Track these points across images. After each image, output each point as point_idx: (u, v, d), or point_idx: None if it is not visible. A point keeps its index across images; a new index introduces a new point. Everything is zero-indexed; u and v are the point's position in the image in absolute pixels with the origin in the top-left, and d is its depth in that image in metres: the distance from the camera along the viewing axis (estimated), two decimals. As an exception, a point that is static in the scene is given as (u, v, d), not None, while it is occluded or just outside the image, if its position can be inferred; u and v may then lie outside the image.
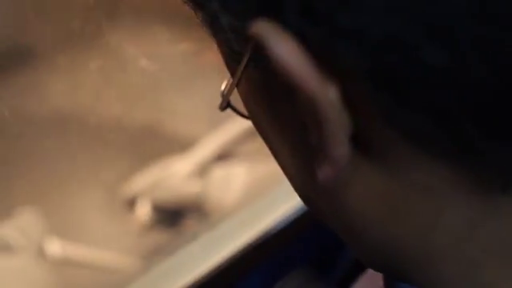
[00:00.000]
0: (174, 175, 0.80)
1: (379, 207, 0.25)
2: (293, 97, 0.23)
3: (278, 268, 0.71)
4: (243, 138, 0.83)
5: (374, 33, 0.20)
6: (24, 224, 0.75)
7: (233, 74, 0.29)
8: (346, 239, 0.29)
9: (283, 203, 0.62)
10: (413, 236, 0.25)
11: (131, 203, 0.81)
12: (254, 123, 0.31)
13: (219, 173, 0.79)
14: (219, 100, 0.34)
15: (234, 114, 0.36)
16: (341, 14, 0.20)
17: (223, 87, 0.39)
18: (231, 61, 0.27)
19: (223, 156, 0.82)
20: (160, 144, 0.86)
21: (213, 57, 0.62)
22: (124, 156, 0.84)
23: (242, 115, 0.36)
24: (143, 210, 0.79)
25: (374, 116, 0.22)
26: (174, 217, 0.80)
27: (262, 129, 0.29)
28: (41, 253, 0.72)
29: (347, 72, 0.21)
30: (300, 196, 0.31)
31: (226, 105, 0.35)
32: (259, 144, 0.84)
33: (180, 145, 0.86)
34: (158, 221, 0.79)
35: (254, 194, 0.74)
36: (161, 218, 0.80)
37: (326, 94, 0.22)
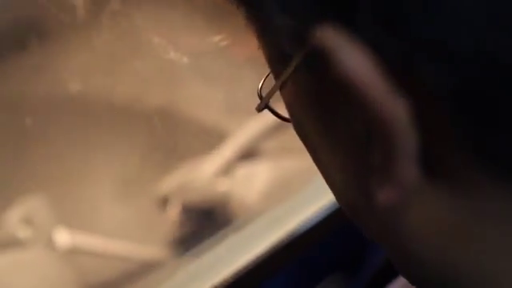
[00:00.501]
0: (201, 175, 0.79)
1: (441, 231, 0.23)
2: (354, 109, 0.20)
3: (304, 269, 0.69)
4: (269, 134, 0.81)
5: (466, 47, 0.18)
6: (33, 214, 0.72)
7: (276, 75, 0.27)
8: (393, 257, 0.27)
9: (310, 204, 0.60)
10: (477, 262, 0.23)
11: (161, 203, 0.79)
12: (297, 128, 0.29)
13: (244, 171, 0.78)
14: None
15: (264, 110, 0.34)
16: (426, 23, 0.18)
17: (260, 85, 0.37)
18: (277, 62, 0.25)
19: (248, 154, 0.80)
20: (176, 132, 0.83)
21: (245, 51, 0.60)
22: (138, 143, 0.82)
23: (281, 117, 0.34)
24: (173, 210, 0.78)
25: (449, 137, 0.20)
26: (199, 214, 0.78)
27: (307, 135, 0.28)
28: (52, 244, 0.70)
29: (425, 88, 0.19)
30: (345, 209, 0.29)
31: (264, 106, 0.33)
32: (284, 141, 0.81)
33: (196, 134, 0.84)
34: (184, 217, 0.78)
35: (280, 193, 0.72)
36: (186, 215, 0.78)
37: (397, 110, 0.20)
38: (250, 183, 0.76)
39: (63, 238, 0.71)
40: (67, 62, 0.85)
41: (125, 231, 0.78)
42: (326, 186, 0.71)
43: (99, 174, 0.82)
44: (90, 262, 0.74)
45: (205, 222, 0.71)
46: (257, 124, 0.81)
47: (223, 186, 0.78)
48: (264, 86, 0.33)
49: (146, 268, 0.73)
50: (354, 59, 0.19)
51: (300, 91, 0.25)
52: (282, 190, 0.74)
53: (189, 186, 0.78)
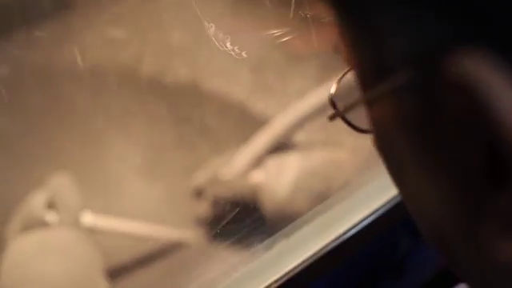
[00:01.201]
0: (233, 167, 0.77)
1: None
2: (484, 144, 0.17)
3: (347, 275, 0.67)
4: (300, 127, 0.78)
5: None
6: (59, 195, 0.70)
7: (366, 87, 0.24)
8: None
9: (362, 208, 0.57)
10: None
11: (194, 195, 0.77)
12: (383, 148, 0.26)
13: (275, 163, 0.75)
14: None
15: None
16: None
17: (333, 91, 0.34)
18: (371, 75, 0.22)
19: (278, 146, 0.78)
20: (202, 108, 0.80)
21: (300, 46, 0.56)
22: (165, 118, 0.79)
23: (358, 129, 0.31)
24: (205, 202, 0.76)
25: None
26: (230, 207, 0.75)
27: (395, 157, 0.25)
28: (78, 225, 0.68)
29: None
30: (428, 238, 0.26)
31: (338, 116, 0.30)
32: (313, 133, 0.77)
33: (223, 111, 0.81)
34: (216, 210, 0.74)
35: (312, 188, 0.69)
36: (218, 207, 0.75)
37: None
38: (282, 176, 0.74)
39: (90, 219, 0.69)
40: (94, 33, 0.82)
41: (150, 212, 0.76)
42: (373, 191, 0.66)
43: (123, 150, 0.79)
44: (116, 244, 0.72)
45: (236, 214, 0.68)
46: (289, 116, 0.78)
47: (255, 178, 0.76)
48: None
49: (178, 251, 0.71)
50: (508, 100, 0.16)
51: (399, 111, 0.22)
52: (314, 184, 0.70)
53: (221, 179, 0.77)
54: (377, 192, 0.60)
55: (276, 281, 0.50)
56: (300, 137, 0.79)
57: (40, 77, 0.78)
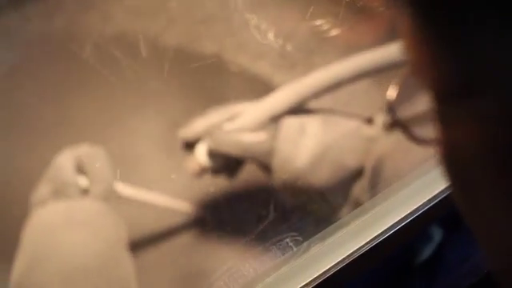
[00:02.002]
0: (240, 122, 0.68)
1: None
2: None
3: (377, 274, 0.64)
4: (323, 92, 0.69)
5: None
6: (86, 163, 0.67)
7: (443, 102, 0.21)
8: None
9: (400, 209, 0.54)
10: None
11: (187, 147, 0.72)
12: (454, 170, 0.23)
13: (293, 125, 0.66)
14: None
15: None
16: None
17: (392, 94, 0.31)
18: (456, 93, 0.19)
19: (296, 109, 0.70)
20: (227, 83, 0.77)
21: (350, 38, 0.53)
22: (188, 91, 0.76)
23: (420, 141, 0.28)
24: (199, 157, 0.69)
25: None
26: (233, 166, 0.70)
27: (470, 183, 0.22)
28: (110, 197, 0.66)
29: None
30: (497, 271, 0.25)
31: (397, 124, 0.28)
32: (336, 100, 0.72)
33: (247, 86, 0.78)
34: (217, 168, 0.69)
35: (330, 160, 0.63)
36: (219, 164, 0.69)
37: None
38: (301, 141, 0.64)
39: (122, 190, 0.66)
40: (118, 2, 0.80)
41: (170, 185, 0.73)
42: (409, 193, 0.63)
43: (144, 121, 0.77)
44: (140, 216, 0.70)
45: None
46: (314, 77, 0.68)
47: (267, 138, 0.67)
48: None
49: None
50: None
51: (485, 136, 0.20)
52: (339, 156, 0.65)
53: (221, 131, 0.68)
54: (413, 194, 0.57)
55: (307, 284, 0.48)
56: (324, 105, 0.71)
57: (63, 46, 0.76)
